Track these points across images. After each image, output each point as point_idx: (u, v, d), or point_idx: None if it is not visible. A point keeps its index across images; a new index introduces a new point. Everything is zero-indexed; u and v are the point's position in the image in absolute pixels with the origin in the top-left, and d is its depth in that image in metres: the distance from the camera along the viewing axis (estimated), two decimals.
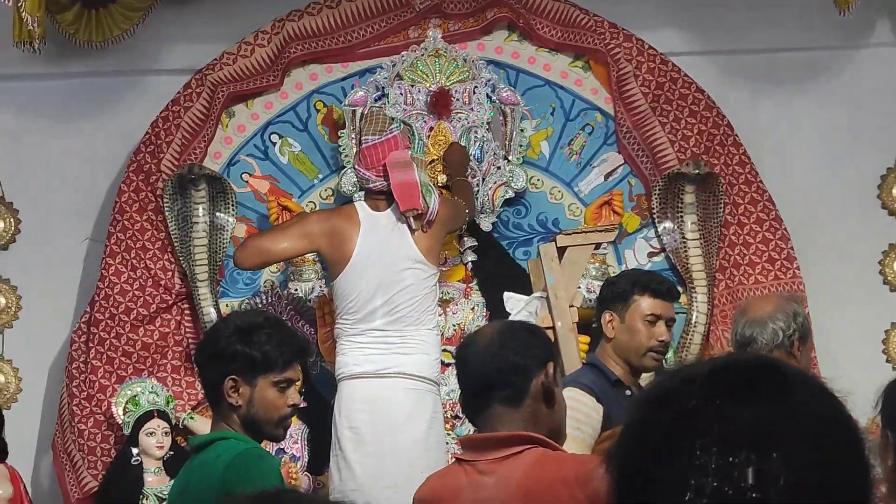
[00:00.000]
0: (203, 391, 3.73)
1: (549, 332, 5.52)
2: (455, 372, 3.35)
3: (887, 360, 6.78)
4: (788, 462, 1.31)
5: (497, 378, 3.06)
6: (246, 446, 3.47)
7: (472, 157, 6.36)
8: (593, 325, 6.02)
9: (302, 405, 5.46)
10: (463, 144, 6.31)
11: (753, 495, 1.30)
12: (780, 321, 3.98)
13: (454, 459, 3.29)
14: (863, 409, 5.68)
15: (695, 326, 6.37)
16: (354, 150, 6.08)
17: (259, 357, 3.49)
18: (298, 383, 3.68)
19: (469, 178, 6.22)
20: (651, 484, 1.34)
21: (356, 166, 5.76)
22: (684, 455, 1.32)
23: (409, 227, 5.52)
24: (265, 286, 6.40)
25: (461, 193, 5.91)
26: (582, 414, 4.27)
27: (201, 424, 6.18)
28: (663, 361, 4.86)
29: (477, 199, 6.30)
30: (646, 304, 4.64)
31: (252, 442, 3.52)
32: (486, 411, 3.08)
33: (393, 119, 6.11)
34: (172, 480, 5.78)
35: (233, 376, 3.49)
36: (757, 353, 1.47)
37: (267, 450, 3.75)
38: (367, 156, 5.60)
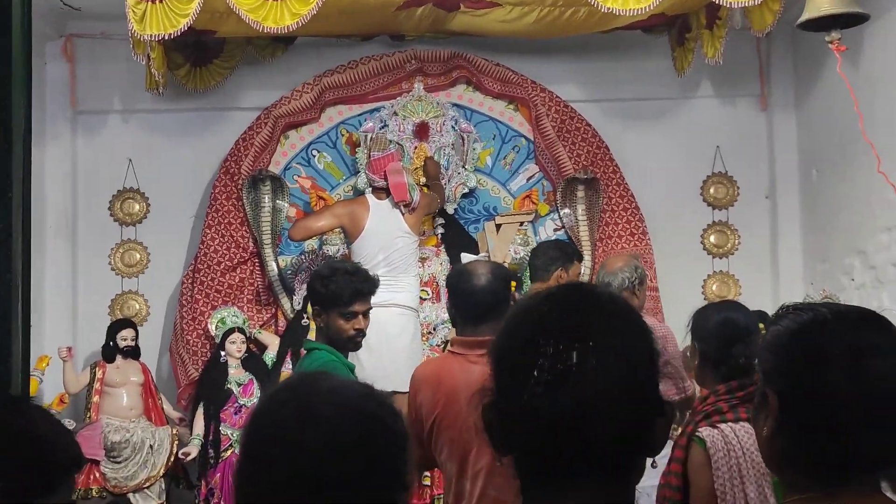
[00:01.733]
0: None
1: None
2: (448, 298, 3.23)
3: (704, 298, 6.80)
4: (597, 348, 1.33)
5: (492, 305, 3.01)
6: (326, 359, 3.34)
7: (441, 167, 6.38)
8: (520, 275, 6.16)
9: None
10: (436, 160, 6.28)
11: (574, 369, 1.32)
12: (626, 272, 4.02)
13: (447, 353, 3.17)
14: (686, 330, 5.72)
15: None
16: (366, 162, 6.11)
17: (329, 294, 3.38)
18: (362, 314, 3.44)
19: (441, 180, 6.24)
20: (513, 365, 1.37)
21: (367, 172, 5.79)
22: (532, 345, 1.35)
23: (400, 211, 5.55)
24: (308, 248, 6.37)
25: (435, 191, 5.96)
26: None
27: (266, 337, 6.25)
28: None
29: (445, 192, 6.32)
30: (578, 266, 4.68)
31: (335, 355, 3.36)
32: (479, 324, 3.02)
33: (391, 141, 6.15)
34: (247, 372, 5.88)
35: (316, 306, 3.42)
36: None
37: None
38: (374, 165, 5.64)
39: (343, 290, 3.37)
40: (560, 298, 1.40)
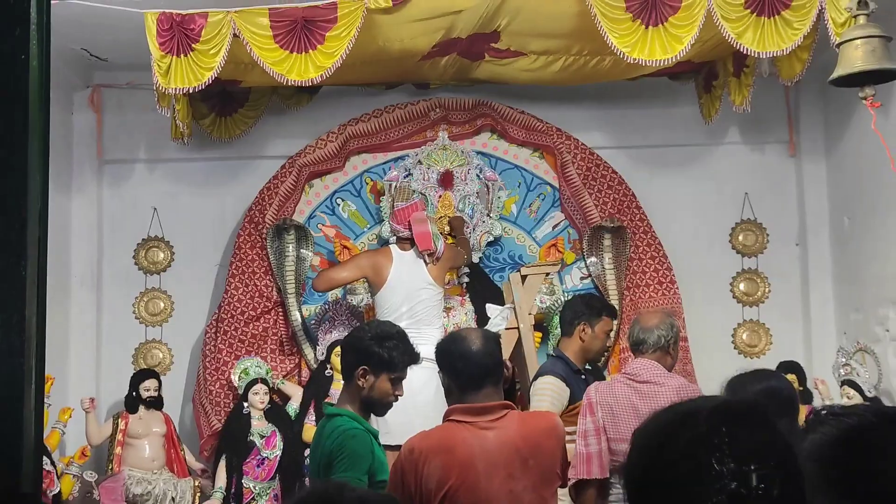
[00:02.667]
0: (341, 370, 3.47)
1: (515, 331, 5.53)
2: (441, 368, 3.22)
3: (734, 347, 6.74)
4: (779, 468, 1.29)
5: (491, 367, 3.03)
6: (348, 426, 3.26)
7: (466, 217, 6.32)
8: (546, 325, 6.09)
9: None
10: (460, 214, 6.23)
11: (759, 492, 1.28)
12: (662, 330, 3.92)
13: (450, 422, 3.09)
14: (717, 383, 5.62)
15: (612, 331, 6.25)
16: (389, 212, 6.06)
17: (387, 358, 3.31)
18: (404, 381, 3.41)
19: (465, 234, 6.18)
20: (672, 489, 1.30)
21: (391, 222, 5.74)
22: (702, 467, 1.28)
23: (424, 262, 5.49)
24: (331, 297, 6.31)
25: (461, 246, 5.89)
26: (555, 394, 4.24)
27: (290, 388, 6.19)
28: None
29: (470, 242, 6.27)
30: (608, 322, 4.59)
31: (359, 421, 3.29)
32: (480, 391, 3.01)
33: (415, 191, 6.12)
34: (270, 423, 5.80)
35: (364, 366, 3.30)
36: (744, 398, 1.43)
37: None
38: (398, 215, 5.59)
39: (402, 354, 3.33)
40: (721, 413, 1.33)
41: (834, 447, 1.42)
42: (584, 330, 4.48)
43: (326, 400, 5.90)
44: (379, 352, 3.30)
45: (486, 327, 5.68)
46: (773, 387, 2.89)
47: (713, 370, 6.12)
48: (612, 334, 6.14)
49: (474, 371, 3.02)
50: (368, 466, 3.19)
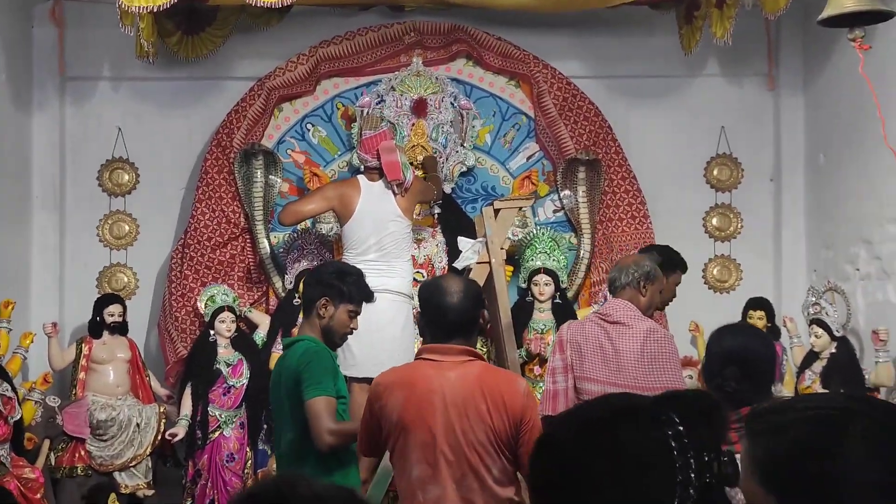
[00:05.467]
0: (301, 301, 3.70)
1: (486, 265, 5.47)
2: (420, 311, 3.29)
3: (704, 282, 6.74)
4: (732, 458, 1.33)
5: (464, 322, 3.11)
6: (312, 345, 3.44)
7: (440, 146, 6.21)
8: (517, 258, 6.00)
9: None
10: (433, 155, 6.12)
11: (720, 477, 1.33)
12: (632, 268, 3.87)
13: (419, 360, 3.18)
14: (687, 318, 5.58)
15: (583, 259, 6.30)
16: (358, 140, 5.92)
17: (346, 291, 3.50)
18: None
19: (440, 168, 6.10)
20: (644, 479, 1.33)
21: (358, 151, 5.60)
22: (667, 460, 1.32)
23: (393, 193, 5.38)
24: (300, 226, 6.18)
25: (433, 183, 5.77)
26: None
27: (257, 316, 6.13)
28: None
29: (442, 172, 6.17)
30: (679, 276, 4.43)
31: (321, 343, 3.47)
32: (451, 338, 3.10)
33: (383, 119, 5.99)
34: (236, 352, 5.76)
35: (326, 297, 3.48)
36: (694, 390, 1.40)
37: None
38: (366, 144, 5.45)
39: (359, 289, 3.55)
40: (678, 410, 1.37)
41: (777, 461, 1.38)
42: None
43: (295, 331, 5.85)
44: (339, 285, 3.51)
45: (457, 260, 5.63)
46: (734, 342, 2.85)
47: (684, 306, 6.13)
48: (584, 268, 6.15)
49: (446, 325, 3.11)
50: (335, 381, 3.37)
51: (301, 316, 5.77)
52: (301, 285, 5.79)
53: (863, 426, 1.33)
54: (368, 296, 3.60)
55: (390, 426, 3.05)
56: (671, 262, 4.36)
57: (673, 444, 1.31)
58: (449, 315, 3.08)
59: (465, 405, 2.98)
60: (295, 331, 5.48)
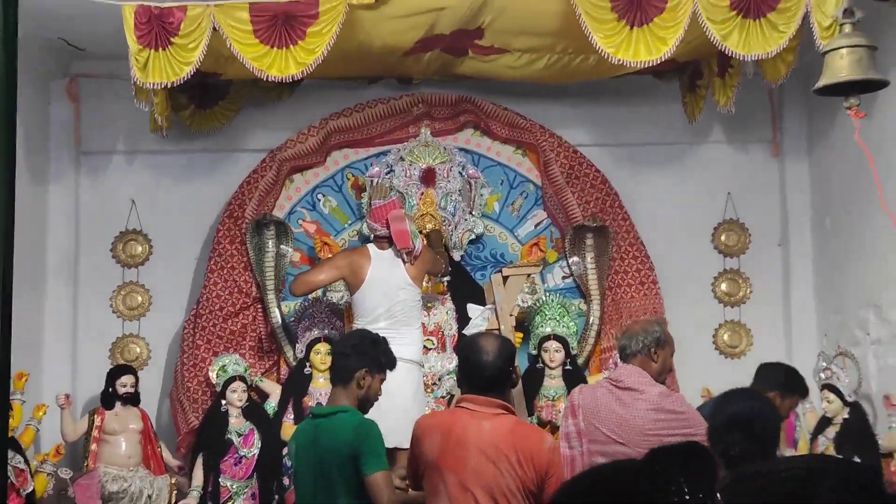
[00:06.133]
0: (334, 370, 3.72)
1: (496, 332, 5.48)
2: (458, 366, 3.53)
3: (715, 348, 6.72)
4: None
5: (498, 378, 3.37)
6: (362, 417, 3.52)
7: (448, 214, 6.27)
8: (527, 325, 5.99)
9: None
10: (438, 230, 6.16)
11: None
12: (642, 335, 3.89)
13: (457, 408, 3.46)
14: (698, 384, 5.57)
15: (592, 325, 6.31)
16: (367, 210, 6.00)
17: (383, 361, 3.62)
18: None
19: (447, 237, 6.17)
20: None
21: (368, 220, 5.68)
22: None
23: (403, 261, 5.43)
24: (312, 295, 6.16)
25: (441, 257, 5.84)
26: None
27: (268, 386, 6.13)
28: None
29: (450, 240, 6.24)
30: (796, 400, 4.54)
31: (360, 414, 3.54)
32: (487, 391, 3.36)
33: (392, 188, 6.07)
34: (248, 421, 5.74)
35: (366, 368, 3.55)
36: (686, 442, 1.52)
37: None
38: (375, 213, 5.53)
39: (389, 358, 3.68)
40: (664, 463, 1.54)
41: None
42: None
43: (307, 400, 5.86)
44: (377, 355, 3.63)
45: (467, 327, 5.66)
46: (739, 407, 2.93)
47: (694, 371, 6.14)
48: (594, 334, 6.15)
49: (483, 380, 3.35)
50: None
51: (312, 385, 5.91)
52: (311, 354, 5.89)
53: (830, 483, 1.46)
54: (394, 363, 3.72)
55: (426, 465, 3.34)
56: (792, 386, 4.40)
57: (675, 501, 1.41)
58: (485, 372, 3.33)
59: (497, 454, 3.24)
60: (322, 400, 5.57)
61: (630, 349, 3.87)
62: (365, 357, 3.56)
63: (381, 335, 3.78)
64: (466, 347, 3.45)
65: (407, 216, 5.60)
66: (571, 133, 6.62)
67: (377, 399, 3.62)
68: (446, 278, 6.21)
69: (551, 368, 5.95)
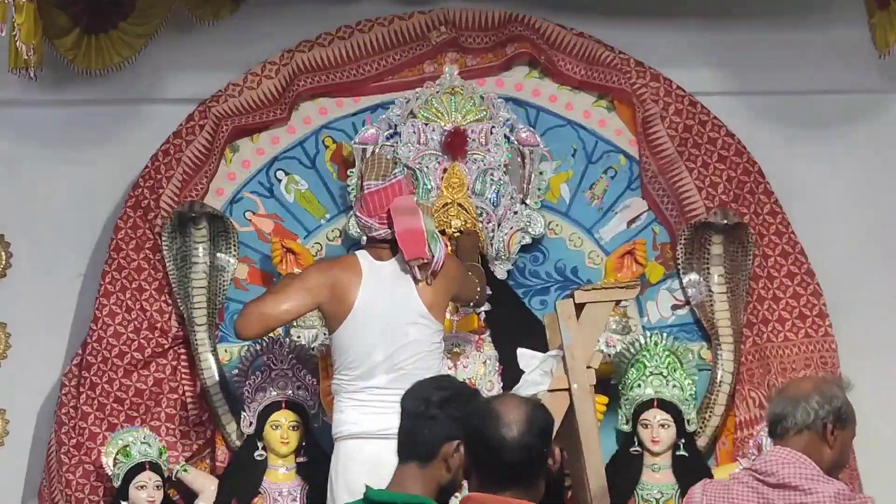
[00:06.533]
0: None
1: (565, 394, 5.40)
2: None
3: None
4: None
5: (525, 466, 3.31)
6: None
7: (488, 204, 6.24)
8: (615, 382, 6.17)
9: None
10: (474, 231, 6.14)
11: None
12: (815, 401, 3.82)
13: None
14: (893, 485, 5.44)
15: (720, 385, 6.24)
16: (357, 196, 5.91)
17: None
18: None
19: (483, 249, 6.14)
20: None
21: (358, 213, 5.55)
22: None
23: (414, 278, 5.31)
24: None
25: (475, 275, 5.71)
26: None
27: (196, 478, 6.12)
28: None
29: (492, 245, 6.22)
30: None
31: None
32: (506, 487, 3.29)
33: (396, 163, 5.98)
34: None
35: (459, 439, 3.47)
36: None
37: None
38: (370, 202, 5.39)
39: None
40: None
41: None
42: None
43: (258, 502, 5.83)
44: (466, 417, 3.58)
45: (517, 386, 5.57)
46: None
47: (888, 463, 6.02)
48: (724, 400, 6.20)
49: (501, 467, 3.31)
50: None
51: (268, 478, 5.79)
52: (267, 428, 5.76)
53: None
54: None
55: None
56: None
57: None
58: (504, 454, 3.26)
59: None
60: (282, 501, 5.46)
61: (790, 421, 3.81)
62: (458, 421, 3.49)
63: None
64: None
65: (420, 207, 5.51)
66: (688, 73, 6.61)
67: (461, 488, 3.57)
68: (484, 307, 6.13)
69: (654, 454, 5.93)
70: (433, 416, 3.53)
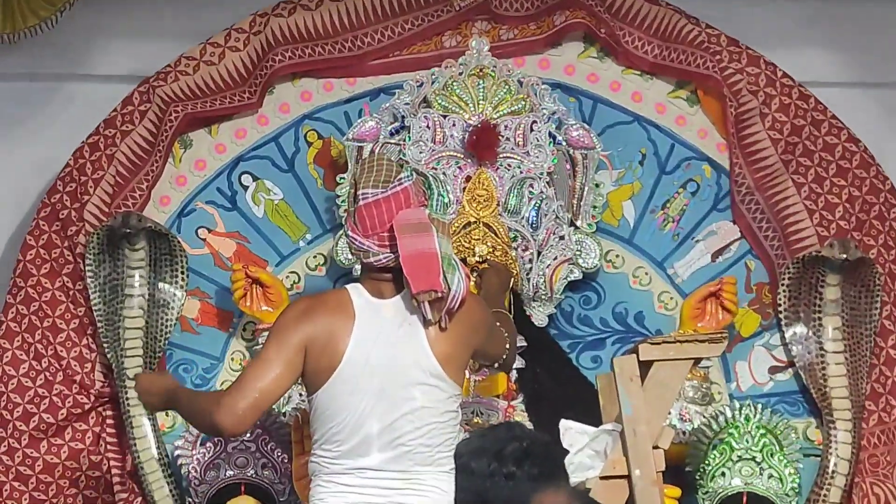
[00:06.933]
0: None
1: (623, 482, 5.39)
2: None
3: None
4: None
5: None
6: None
7: (525, 224, 6.21)
8: (691, 468, 6.13)
9: None
10: (500, 265, 6.11)
11: None
12: None
13: None
14: None
15: (832, 477, 6.20)
16: (350, 210, 5.81)
17: None
18: None
19: (508, 309, 6.00)
20: None
21: (349, 233, 5.45)
22: None
23: (423, 320, 5.20)
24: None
25: (503, 325, 5.63)
26: None
27: None
28: None
29: (529, 280, 6.21)
30: None
31: None
32: None
33: (402, 166, 5.86)
34: None
35: None
36: None
37: None
38: (366, 217, 5.29)
39: None
40: None
41: None
42: None
43: None
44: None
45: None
46: None
47: None
48: (839, 494, 6.21)
49: None
50: None
51: None
52: None
53: None
54: None
55: None
56: None
57: None
58: None
59: None
60: None
61: None
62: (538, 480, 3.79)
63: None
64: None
65: (435, 223, 5.38)
66: (798, 57, 6.70)
67: None
68: (517, 365, 6.07)
69: None
70: (510, 474, 3.66)
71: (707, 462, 5.96)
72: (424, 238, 5.19)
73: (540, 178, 6.23)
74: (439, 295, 5.10)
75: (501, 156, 6.22)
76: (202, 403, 5.16)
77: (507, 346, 5.50)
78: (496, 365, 5.67)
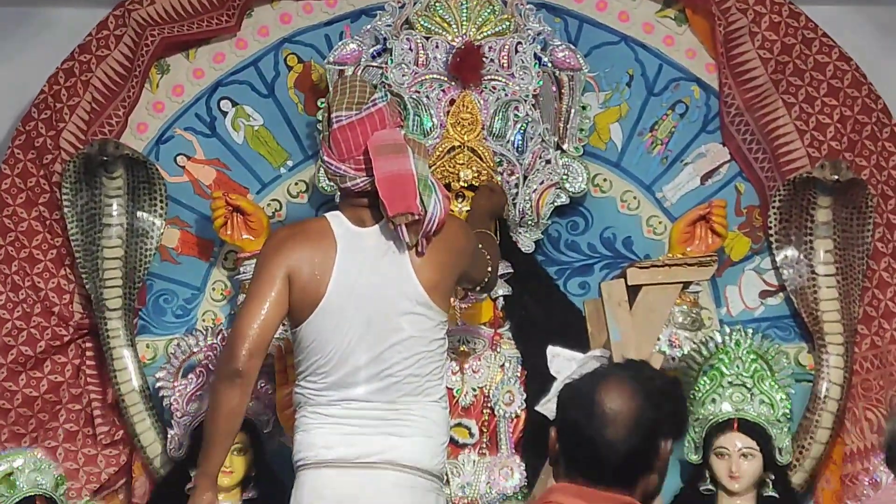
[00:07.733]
0: (615, 463, 3.53)
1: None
2: (557, 434, 3.53)
3: None
4: None
5: (632, 466, 3.43)
6: None
7: (511, 149, 6.18)
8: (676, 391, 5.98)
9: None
10: (490, 184, 6.11)
11: None
12: None
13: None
14: None
15: (824, 402, 6.25)
16: (325, 134, 5.81)
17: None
18: None
19: (494, 232, 6.04)
20: None
21: (325, 158, 5.45)
22: None
23: (405, 244, 5.19)
24: (204, 319, 6.39)
25: (485, 247, 5.64)
26: None
27: None
28: None
29: (515, 205, 6.19)
30: None
31: None
32: (609, 484, 3.42)
33: (376, 87, 5.87)
34: None
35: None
36: None
37: None
38: (341, 140, 5.29)
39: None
40: None
41: None
42: None
43: None
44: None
45: (544, 401, 5.58)
46: None
47: None
48: (829, 421, 6.25)
49: (602, 466, 3.41)
50: None
51: None
52: (238, 452, 5.86)
53: None
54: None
55: None
56: None
57: None
58: (609, 455, 3.37)
59: None
60: None
61: None
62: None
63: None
64: (574, 403, 3.49)
65: (410, 144, 5.40)
66: None
67: None
68: (502, 291, 6.14)
69: (732, 493, 5.97)
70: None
71: (697, 388, 5.99)
72: (400, 159, 5.18)
73: (525, 101, 6.20)
74: (416, 217, 5.10)
75: (486, 78, 6.19)
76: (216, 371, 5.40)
77: (490, 268, 5.53)
78: (478, 288, 5.69)
